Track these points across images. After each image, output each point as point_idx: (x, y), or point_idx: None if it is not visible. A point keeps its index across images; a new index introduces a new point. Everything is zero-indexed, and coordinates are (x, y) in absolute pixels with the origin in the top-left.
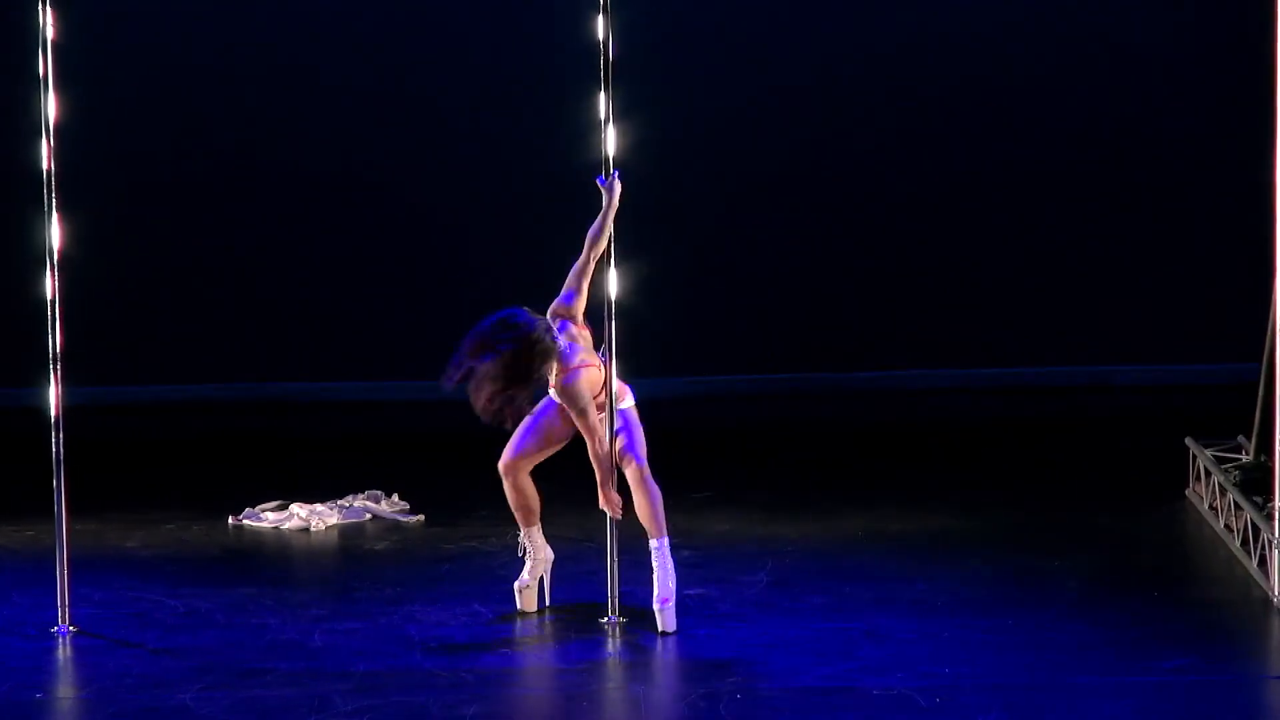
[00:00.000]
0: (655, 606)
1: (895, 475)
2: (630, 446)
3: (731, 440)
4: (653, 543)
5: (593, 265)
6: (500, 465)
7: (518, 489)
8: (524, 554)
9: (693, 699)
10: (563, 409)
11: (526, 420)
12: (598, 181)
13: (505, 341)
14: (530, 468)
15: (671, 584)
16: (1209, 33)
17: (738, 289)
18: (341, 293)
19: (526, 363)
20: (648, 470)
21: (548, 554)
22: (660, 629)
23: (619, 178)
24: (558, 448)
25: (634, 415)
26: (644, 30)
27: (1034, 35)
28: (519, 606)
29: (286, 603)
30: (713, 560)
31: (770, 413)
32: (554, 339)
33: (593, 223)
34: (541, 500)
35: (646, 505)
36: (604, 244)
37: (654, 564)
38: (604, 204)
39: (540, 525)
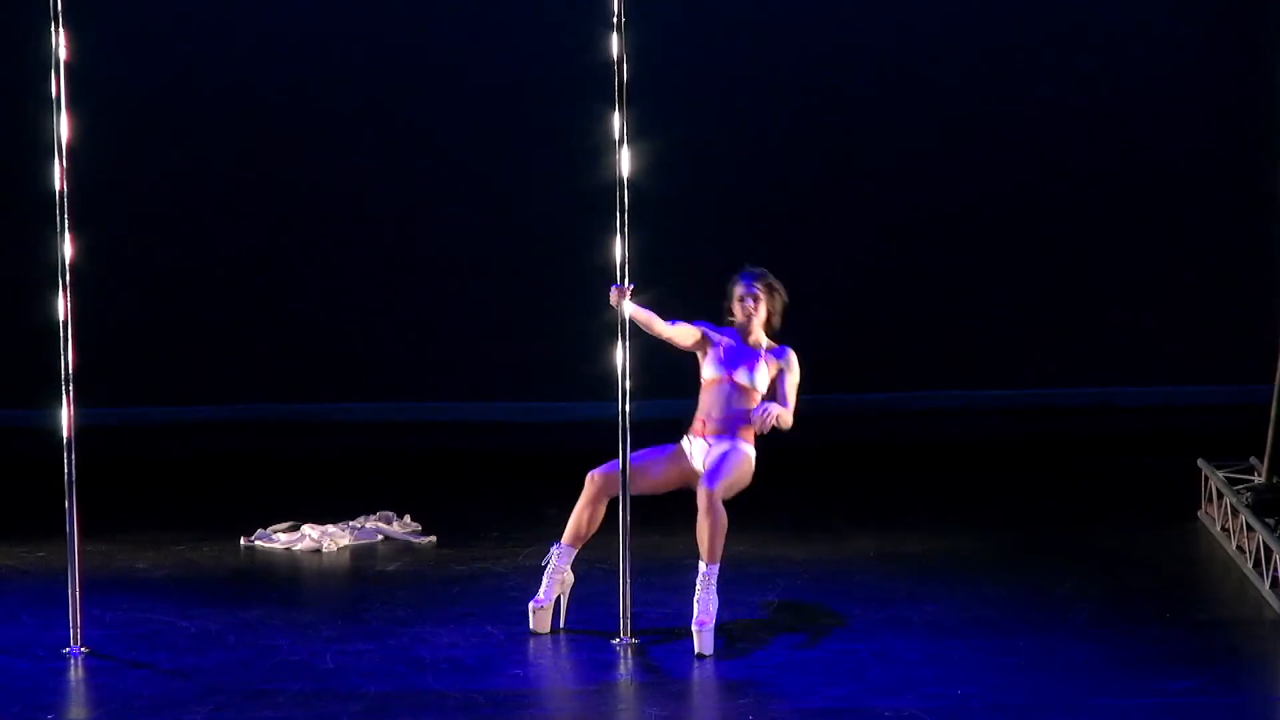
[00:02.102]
0: (694, 628)
1: (905, 496)
2: (712, 473)
3: None
4: (702, 566)
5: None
6: (591, 472)
7: (592, 503)
8: (546, 564)
9: None
10: (673, 459)
11: (643, 449)
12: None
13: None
14: (613, 493)
15: (713, 609)
16: (1220, 62)
17: None
18: (355, 314)
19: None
20: (719, 497)
21: (568, 577)
22: (696, 650)
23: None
24: (647, 490)
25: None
26: (657, 50)
27: (1051, 61)
28: (532, 626)
29: (297, 624)
30: (724, 581)
31: (781, 434)
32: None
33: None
34: (596, 533)
35: (708, 531)
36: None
37: (699, 586)
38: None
39: (576, 554)
